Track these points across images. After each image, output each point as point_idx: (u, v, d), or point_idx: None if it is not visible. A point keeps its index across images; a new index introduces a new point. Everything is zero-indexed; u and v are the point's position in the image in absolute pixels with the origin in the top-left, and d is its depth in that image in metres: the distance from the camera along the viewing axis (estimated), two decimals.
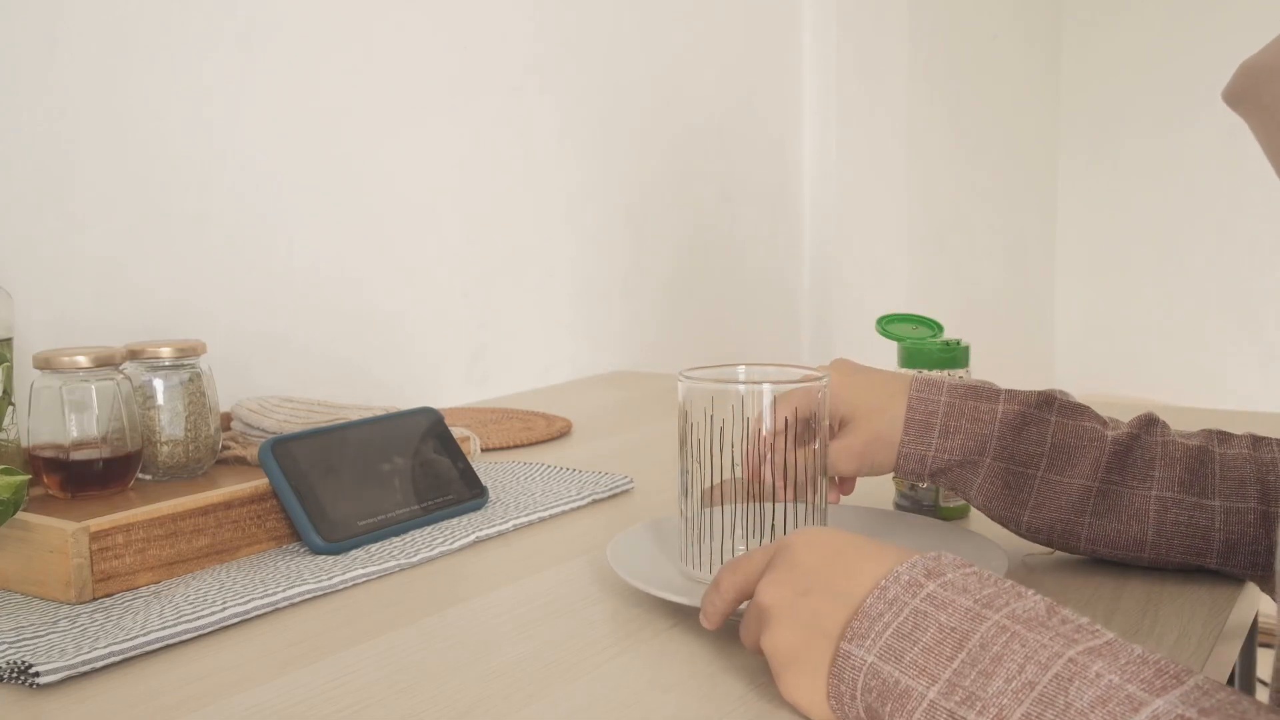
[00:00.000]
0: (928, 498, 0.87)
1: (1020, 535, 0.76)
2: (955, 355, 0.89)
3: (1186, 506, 0.72)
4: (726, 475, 0.68)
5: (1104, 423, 0.75)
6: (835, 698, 0.52)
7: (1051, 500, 0.74)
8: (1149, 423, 0.75)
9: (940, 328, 0.93)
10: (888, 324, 0.93)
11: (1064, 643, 0.46)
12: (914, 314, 0.95)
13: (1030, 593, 0.50)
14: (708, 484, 0.69)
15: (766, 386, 0.68)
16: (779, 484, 0.68)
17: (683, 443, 0.70)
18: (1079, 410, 0.75)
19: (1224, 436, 0.74)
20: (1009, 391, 0.77)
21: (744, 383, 0.69)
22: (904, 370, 0.91)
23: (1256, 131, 0.50)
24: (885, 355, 1.07)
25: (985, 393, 0.76)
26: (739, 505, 0.68)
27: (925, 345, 0.90)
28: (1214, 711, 0.42)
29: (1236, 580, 0.73)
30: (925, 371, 0.88)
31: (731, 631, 0.64)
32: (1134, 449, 0.73)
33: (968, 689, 0.46)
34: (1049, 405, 0.75)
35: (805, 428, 0.68)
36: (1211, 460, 0.72)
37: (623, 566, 0.70)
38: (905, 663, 0.49)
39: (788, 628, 0.54)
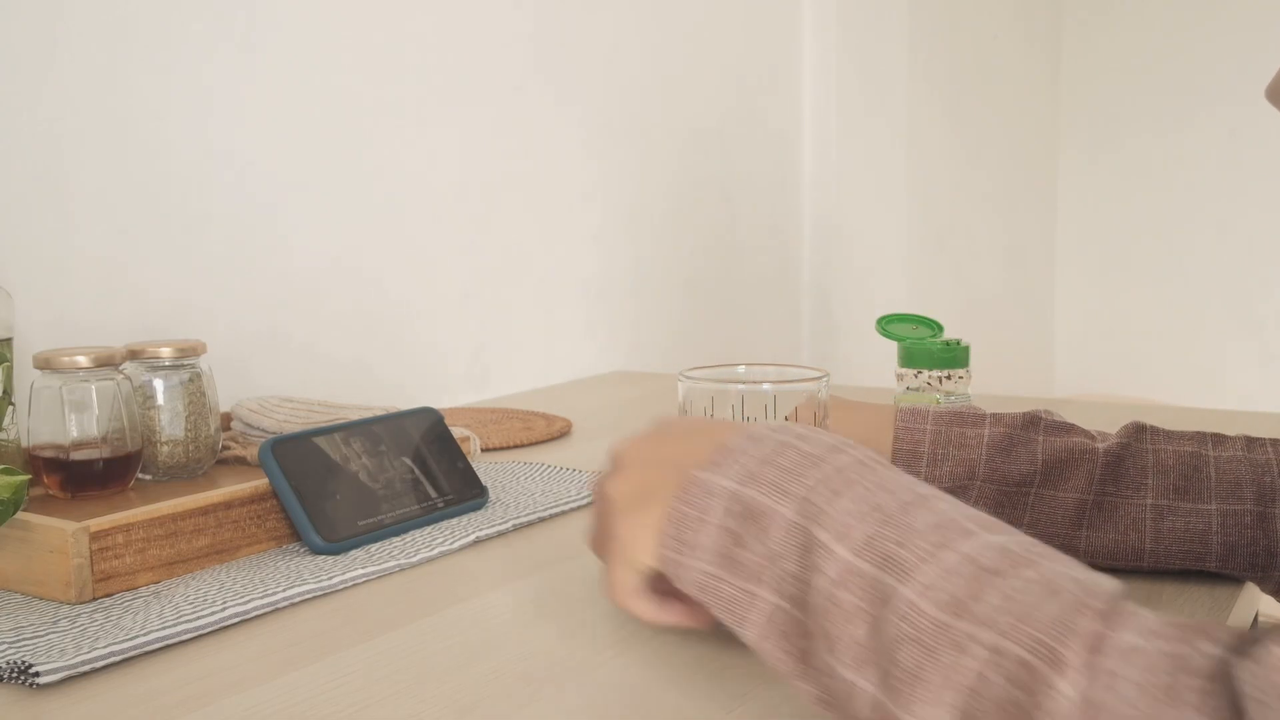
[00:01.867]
0: None
1: None
2: (955, 355, 0.90)
3: (1183, 513, 0.72)
4: None
5: (1092, 436, 0.76)
6: (675, 524, 0.49)
7: (1046, 516, 0.74)
8: (1138, 431, 0.75)
9: (940, 328, 0.93)
10: (888, 324, 0.93)
11: (909, 482, 0.47)
12: (914, 314, 0.95)
13: (855, 446, 0.49)
14: None
15: (766, 386, 0.68)
16: None
17: None
18: (1065, 427, 0.76)
19: (1218, 439, 0.74)
20: (994, 415, 0.77)
21: (744, 382, 0.69)
22: (900, 383, 0.91)
23: None
24: (885, 355, 1.07)
25: (970, 418, 0.76)
26: None
27: (925, 345, 0.90)
28: (1035, 546, 0.43)
29: (1236, 581, 0.73)
30: (915, 387, 0.89)
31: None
32: (1125, 459, 0.73)
33: (817, 505, 0.46)
34: (1034, 425, 0.75)
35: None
36: (1205, 464, 0.72)
37: None
38: (764, 484, 0.47)
39: (637, 469, 0.52)
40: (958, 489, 0.75)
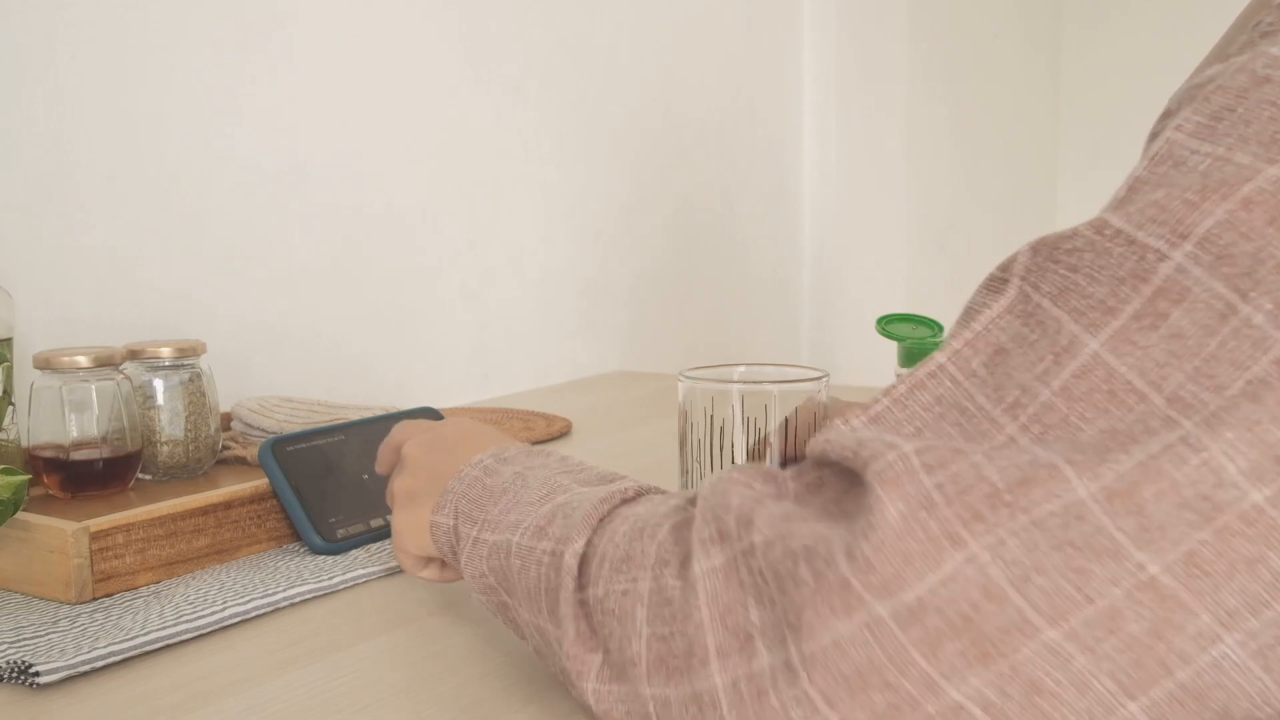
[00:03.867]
0: None
1: None
2: None
3: None
4: None
5: None
6: (433, 536, 0.62)
7: None
8: None
9: (940, 328, 0.93)
10: (888, 324, 0.93)
11: (557, 472, 0.57)
12: (914, 314, 0.95)
13: (556, 453, 0.61)
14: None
15: (767, 386, 0.68)
16: None
17: (683, 443, 0.70)
18: None
19: None
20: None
21: (744, 383, 0.69)
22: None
23: None
24: (885, 355, 1.07)
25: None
26: None
27: (925, 345, 0.90)
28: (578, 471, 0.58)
29: None
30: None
31: None
32: None
33: (482, 518, 0.57)
34: None
35: (806, 432, 0.68)
36: None
37: None
38: (463, 517, 0.59)
39: (409, 475, 0.64)
40: None
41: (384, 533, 0.82)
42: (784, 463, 0.68)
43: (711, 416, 0.68)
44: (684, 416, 0.70)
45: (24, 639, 0.63)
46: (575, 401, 1.43)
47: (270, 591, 0.70)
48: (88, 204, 1.06)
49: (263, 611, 0.69)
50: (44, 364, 0.88)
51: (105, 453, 0.89)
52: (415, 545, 0.63)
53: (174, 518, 0.74)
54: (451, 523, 0.60)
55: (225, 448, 1.03)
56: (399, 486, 0.65)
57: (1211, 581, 0.34)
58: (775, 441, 0.68)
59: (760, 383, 0.68)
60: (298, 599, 0.71)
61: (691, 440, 0.69)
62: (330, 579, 0.73)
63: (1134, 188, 0.40)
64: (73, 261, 1.05)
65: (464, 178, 1.47)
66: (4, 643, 0.62)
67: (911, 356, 0.90)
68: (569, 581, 0.48)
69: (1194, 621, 0.34)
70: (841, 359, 2.13)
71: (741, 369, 0.73)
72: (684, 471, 0.70)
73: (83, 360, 0.88)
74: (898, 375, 0.89)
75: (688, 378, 0.70)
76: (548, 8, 1.59)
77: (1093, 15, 3.01)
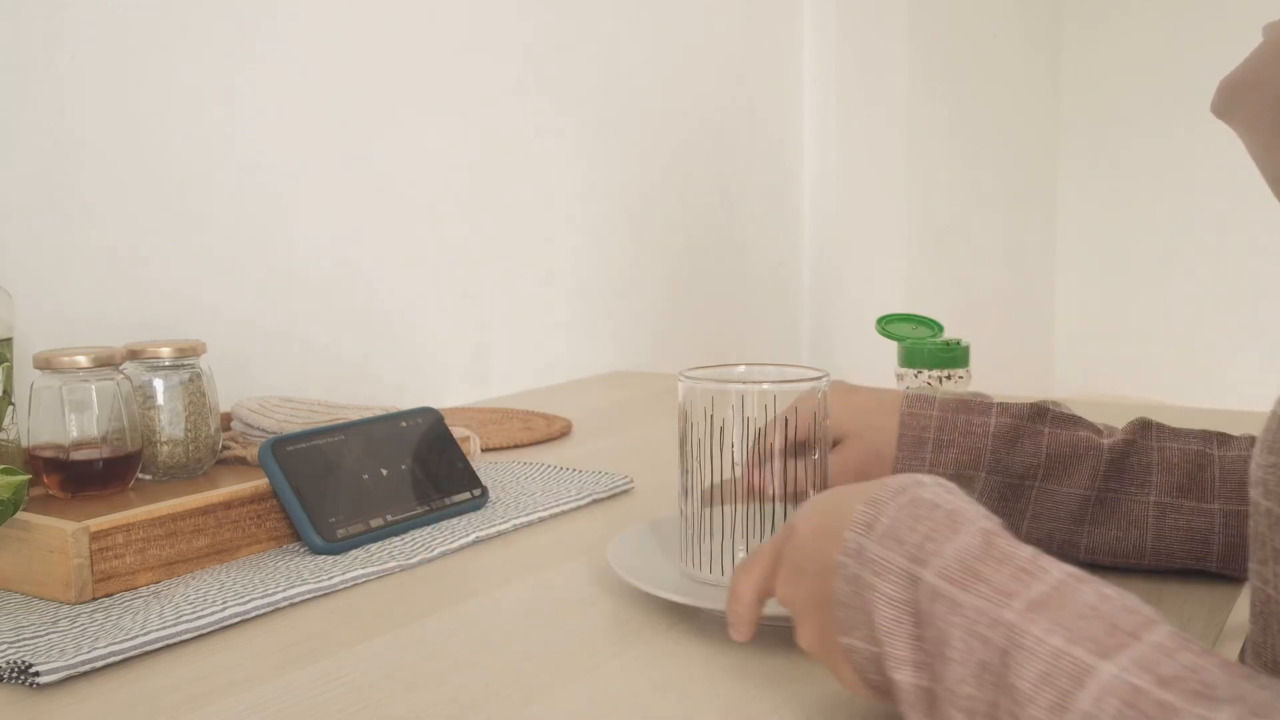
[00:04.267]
0: None
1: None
2: (955, 355, 0.90)
3: (1185, 511, 0.72)
4: (726, 475, 0.68)
5: (1098, 431, 0.75)
6: (869, 684, 0.49)
7: (1049, 511, 0.73)
8: (1144, 427, 0.75)
9: (940, 327, 0.93)
10: (887, 324, 0.93)
11: (1000, 600, 0.41)
12: (914, 314, 0.95)
13: (968, 519, 0.45)
14: (708, 484, 0.69)
15: (767, 386, 0.68)
16: (778, 487, 0.68)
17: (683, 443, 0.70)
18: (1072, 420, 0.75)
19: (1223, 438, 0.74)
20: (1001, 404, 0.76)
21: (744, 383, 0.69)
22: (900, 383, 0.91)
23: (1243, 140, 0.51)
24: (885, 355, 1.07)
25: (977, 406, 0.76)
26: (739, 505, 0.68)
27: (925, 345, 0.90)
28: (1175, 682, 0.36)
29: (1237, 581, 0.73)
30: (915, 387, 0.88)
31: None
32: (1130, 455, 0.73)
33: (941, 680, 0.42)
34: (1041, 417, 0.75)
35: (806, 430, 0.68)
36: (1210, 463, 0.72)
37: (623, 566, 0.70)
38: (886, 653, 0.45)
39: (804, 621, 0.52)
40: (962, 477, 0.74)
41: (384, 533, 0.82)
42: (786, 457, 0.68)
43: (711, 416, 0.68)
44: (684, 416, 0.70)
45: (24, 639, 0.63)
46: (575, 401, 1.43)
47: (270, 591, 0.70)
48: (88, 204, 1.06)
49: (263, 611, 0.69)
50: (44, 364, 0.88)
51: (105, 453, 0.89)
52: (855, 686, 0.50)
53: (174, 518, 0.74)
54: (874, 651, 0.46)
55: (225, 448, 1.03)
56: (803, 642, 0.52)
57: None
58: (776, 439, 0.68)
59: (760, 383, 0.68)
60: (298, 599, 0.71)
61: (691, 440, 0.69)
62: (330, 579, 0.73)
63: None
64: (73, 261, 1.05)
65: (464, 177, 1.47)
66: (4, 643, 0.62)
67: (911, 357, 0.90)
68: None
69: None
70: (841, 359, 2.13)
71: (741, 369, 0.73)
72: (684, 471, 0.70)
73: (83, 360, 0.88)
74: (898, 375, 0.89)
75: (688, 378, 0.70)
76: (548, 8, 1.59)
77: (1093, 15, 3.00)
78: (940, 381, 0.88)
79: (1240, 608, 0.72)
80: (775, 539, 0.57)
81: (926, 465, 0.74)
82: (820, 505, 0.54)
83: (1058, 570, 0.41)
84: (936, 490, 0.49)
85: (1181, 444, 0.74)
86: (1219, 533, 0.71)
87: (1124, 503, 0.72)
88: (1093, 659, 0.37)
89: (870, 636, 0.46)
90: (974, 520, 0.46)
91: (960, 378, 0.89)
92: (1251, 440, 0.74)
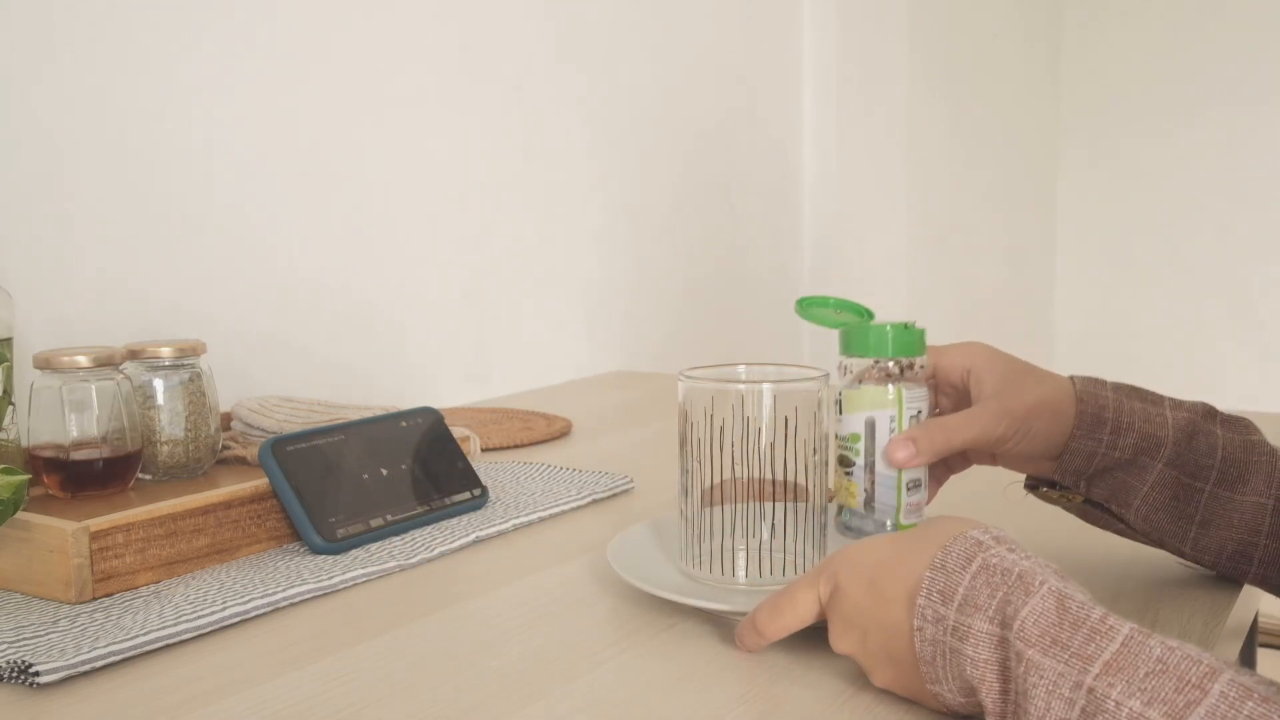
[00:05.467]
0: (888, 514, 0.72)
1: (1183, 557, 0.72)
2: (915, 340, 0.73)
3: None
4: (726, 475, 0.68)
5: (1263, 437, 0.71)
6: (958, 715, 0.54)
7: (1223, 518, 0.69)
8: None
9: (870, 314, 0.76)
10: (809, 307, 0.76)
11: (1080, 665, 0.45)
12: (832, 297, 0.77)
13: (1038, 581, 0.49)
14: (708, 484, 0.69)
15: (766, 386, 0.68)
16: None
17: (683, 443, 0.70)
18: (1242, 424, 0.71)
19: None
20: (1171, 399, 0.72)
21: (744, 382, 0.69)
22: (844, 376, 0.74)
23: None
24: None
25: (1149, 395, 0.72)
26: (739, 505, 0.68)
27: (880, 328, 0.73)
28: None
29: (1235, 583, 0.73)
30: (865, 378, 0.72)
31: (734, 631, 0.64)
32: None
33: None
34: (1212, 417, 0.71)
35: (805, 427, 0.68)
36: None
37: (623, 566, 0.70)
38: (980, 701, 0.50)
39: (880, 667, 0.55)
40: (1136, 466, 0.70)
41: (384, 533, 0.82)
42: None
43: (711, 416, 0.68)
44: (684, 416, 0.70)
45: (24, 639, 0.63)
46: (575, 401, 1.43)
47: (270, 591, 0.70)
48: (88, 204, 1.06)
49: (263, 611, 0.69)
50: (44, 364, 0.88)
51: (105, 453, 0.89)
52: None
53: (174, 517, 0.74)
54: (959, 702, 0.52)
55: (225, 448, 1.03)
56: (884, 683, 0.56)
57: None
58: (776, 443, 0.68)
59: (760, 382, 0.68)
60: (298, 599, 0.71)
61: (691, 440, 0.69)
62: (330, 579, 0.73)
63: None
64: (73, 261, 1.05)
65: (464, 178, 1.47)
66: (4, 643, 0.62)
67: (863, 342, 0.72)
68: None
69: None
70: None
71: (741, 369, 0.73)
72: (684, 471, 0.70)
73: (83, 360, 0.88)
74: (843, 367, 0.72)
75: (688, 378, 0.69)
76: (548, 8, 1.59)
77: (1093, 15, 3.00)
78: (901, 372, 0.71)
79: (1240, 607, 0.72)
80: (806, 584, 0.59)
81: (1103, 447, 0.69)
82: (864, 562, 0.57)
83: (1124, 628, 0.46)
84: (1001, 552, 0.52)
85: None
86: None
87: None
88: None
89: (961, 689, 0.51)
90: (1044, 580, 0.49)
91: (921, 366, 0.72)
92: None
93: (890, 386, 0.70)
